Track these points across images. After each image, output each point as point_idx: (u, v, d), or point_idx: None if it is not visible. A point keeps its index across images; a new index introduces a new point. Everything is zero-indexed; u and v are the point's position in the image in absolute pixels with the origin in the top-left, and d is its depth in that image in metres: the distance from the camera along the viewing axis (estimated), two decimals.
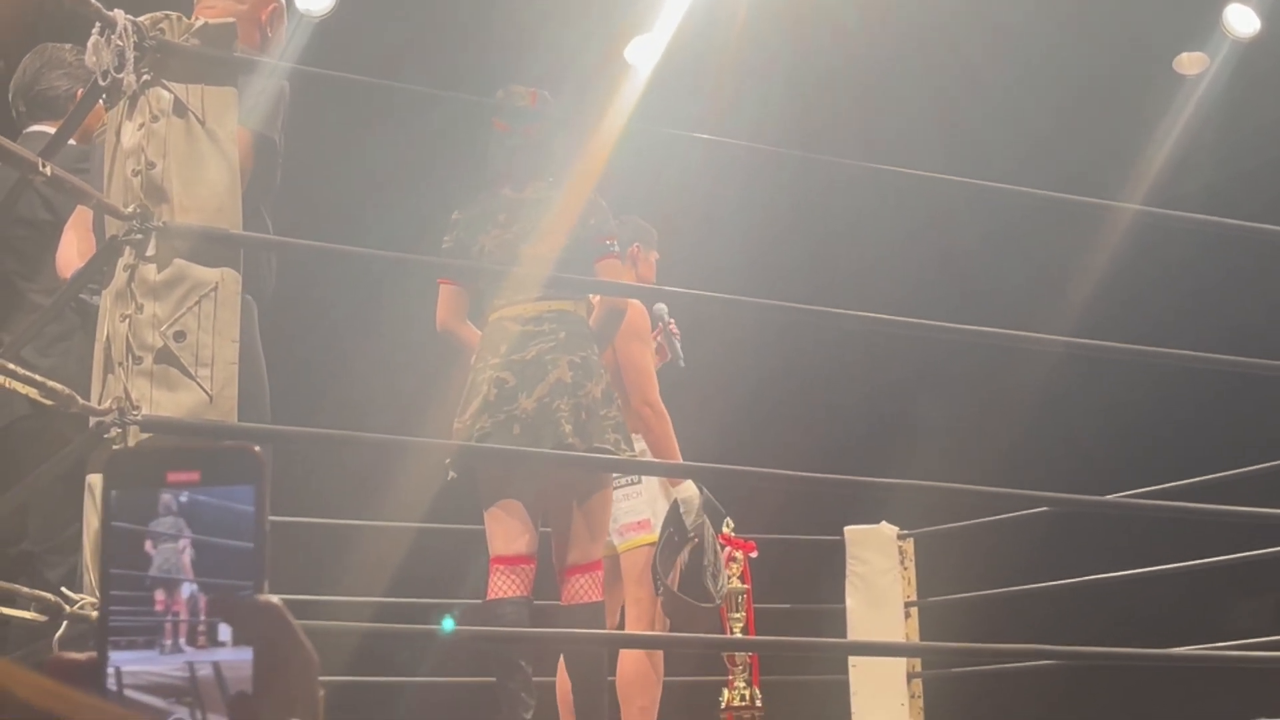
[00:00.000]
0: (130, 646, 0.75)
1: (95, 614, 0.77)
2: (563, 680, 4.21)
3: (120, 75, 2.48)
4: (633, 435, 4.19)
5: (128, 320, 2.45)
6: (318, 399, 6.75)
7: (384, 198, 7.36)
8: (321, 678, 0.76)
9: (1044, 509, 5.18)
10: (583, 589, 3.95)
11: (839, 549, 5.70)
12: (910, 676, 5.59)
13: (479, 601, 4.00)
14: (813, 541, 6.00)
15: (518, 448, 3.78)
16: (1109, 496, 4.66)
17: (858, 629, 5.54)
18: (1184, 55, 7.58)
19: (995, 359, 7.47)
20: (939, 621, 5.81)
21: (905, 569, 5.72)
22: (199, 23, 2.60)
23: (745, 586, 4.63)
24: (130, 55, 2.48)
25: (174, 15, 2.57)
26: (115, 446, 2.38)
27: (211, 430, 2.46)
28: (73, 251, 3.45)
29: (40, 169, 2.47)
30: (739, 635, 4.70)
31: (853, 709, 5.50)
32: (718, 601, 4.36)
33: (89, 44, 2.52)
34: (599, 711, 3.98)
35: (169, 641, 0.75)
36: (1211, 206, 4.35)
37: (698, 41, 6.81)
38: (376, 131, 7.07)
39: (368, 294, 7.26)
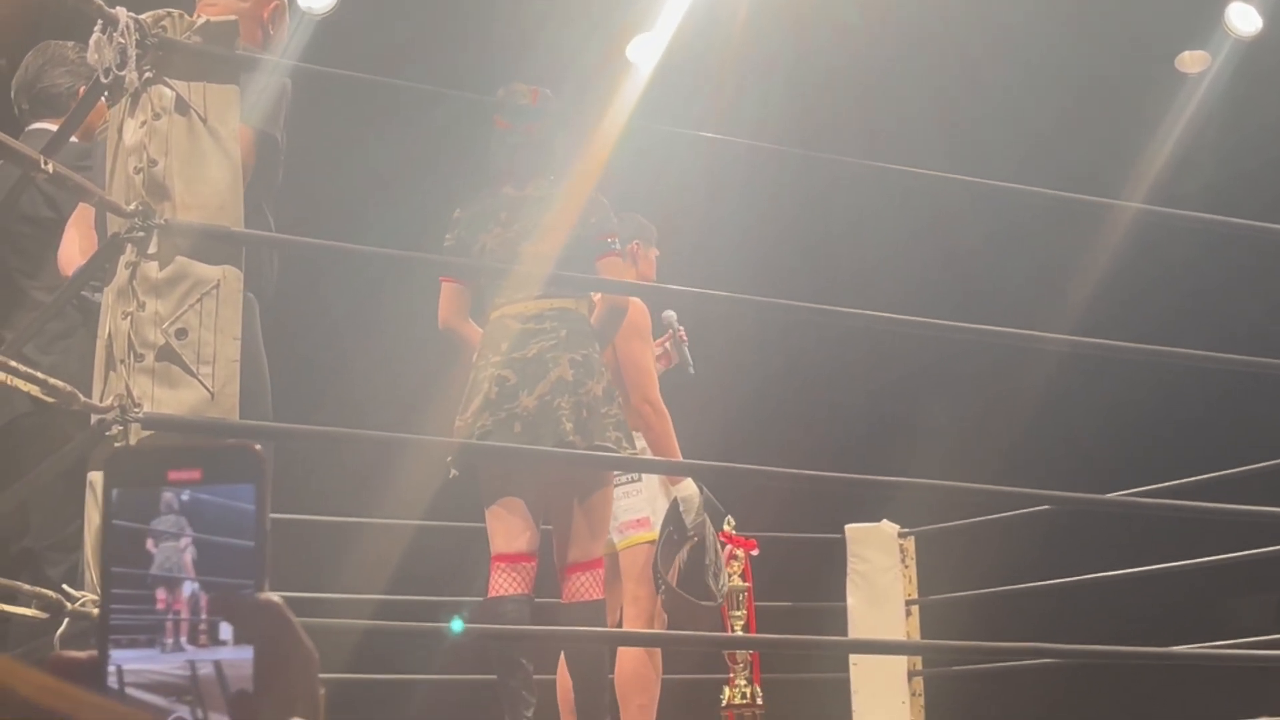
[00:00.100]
0: (132, 645, 0.75)
1: (96, 611, 0.78)
2: (563, 678, 4.21)
3: (122, 73, 2.48)
4: (633, 433, 4.19)
5: (129, 317, 2.46)
6: (319, 396, 6.75)
7: (386, 196, 7.36)
8: (322, 675, 0.76)
9: (1045, 507, 5.18)
10: (584, 587, 3.95)
11: (840, 547, 5.70)
12: (911, 675, 5.59)
13: (480, 599, 4.00)
14: (814, 540, 6.00)
15: (519, 445, 3.78)
16: (1110, 495, 4.66)
17: (859, 627, 5.54)
18: (1186, 54, 7.58)
19: (996, 358, 7.48)
20: (940, 620, 5.81)
21: (906, 567, 5.72)
22: (201, 20, 2.60)
23: (746, 584, 4.63)
24: (132, 53, 2.48)
25: (176, 13, 2.57)
26: (117, 444, 2.38)
27: (213, 428, 2.46)
28: (75, 249, 3.45)
29: (42, 166, 2.47)
30: (740, 633, 4.70)
31: (853, 707, 5.50)
32: (719, 600, 4.37)
33: (91, 41, 2.52)
34: (600, 709, 3.98)
35: (170, 640, 0.75)
36: (1213, 205, 4.35)
37: (699, 40, 6.81)
38: (378, 129, 7.07)
39: (369, 292, 7.26)
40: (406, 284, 5.78)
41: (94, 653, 0.76)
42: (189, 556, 0.76)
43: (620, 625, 4.34)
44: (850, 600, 5.62)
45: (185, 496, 0.76)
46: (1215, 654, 5.07)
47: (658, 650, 4.36)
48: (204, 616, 0.75)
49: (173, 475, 0.76)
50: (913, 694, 5.57)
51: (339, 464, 6.53)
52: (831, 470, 3.76)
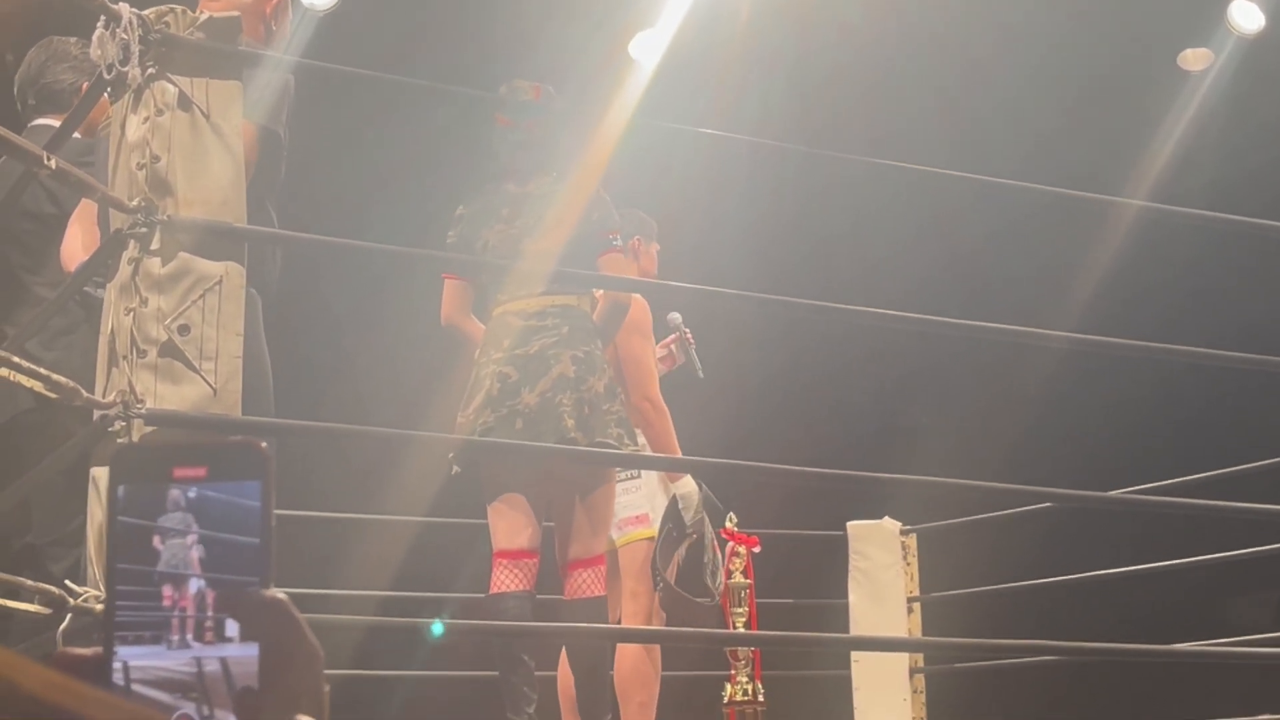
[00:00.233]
0: (138, 641, 0.75)
1: (99, 607, 0.78)
2: (564, 675, 4.21)
3: (125, 69, 2.48)
4: (634, 430, 4.19)
5: (132, 314, 2.46)
6: (321, 393, 6.76)
7: (388, 192, 7.36)
8: (326, 672, 0.76)
9: (1047, 505, 5.18)
10: (585, 584, 3.95)
11: (842, 544, 5.70)
12: (912, 672, 5.59)
13: (482, 596, 4.00)
14: (816, 537, 6.00)
15: (520, 442, 3.78)
16: (1112, 492, 4.66)
17: (860, 624, 5.54)
18: (1188, 52, 7.57)
19: (999, 356, 7.47)
20: (941, 617, 5.81)
21: (908, 564, 5.72)
22: (204, 16, 2.60)
23: (748, 581, 4.62)
24: (135, 49, 2.48)
25: (179, 9, 2.57)
26: (119, 440, 2.38)
27: (215, 424, 2.46)
28: (77, 245, 3.45)
29: (45, 162, 2.47)
30: (742, 630, 4.70)
31: (855, 704, 5.50)
32: (716, 599, 4.36)
33: (94, 37, 2.52)
34: (602, 706, 3.98)
35: (176, 637, 0.75)
36: (1215, 203, 4.35)
37: (702, 37, 6.80)
38: (380, 126, 7.07)
39: (372, 288, 7.26)
40: (409, 280, 5.78)
41: (99, 649, 0.76)
42: (196, 553, 0.76)
43: (620, 622, 4.35)
44: (852, 597, 5.62)
45: (192, 493, 0.76)
46: (1216, 651, 5.07)
47: (657, 647, 4.36)
48: (210, 613, 0.75)
49: (178, 472, 0.76)
50: (914, 691, 5.58)
51: (341, 460, 6.53)
52: (833, 468, 3.76)
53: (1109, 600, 7.25)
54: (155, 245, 2.47)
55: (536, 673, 3.87)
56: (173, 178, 2.50)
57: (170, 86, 2.51)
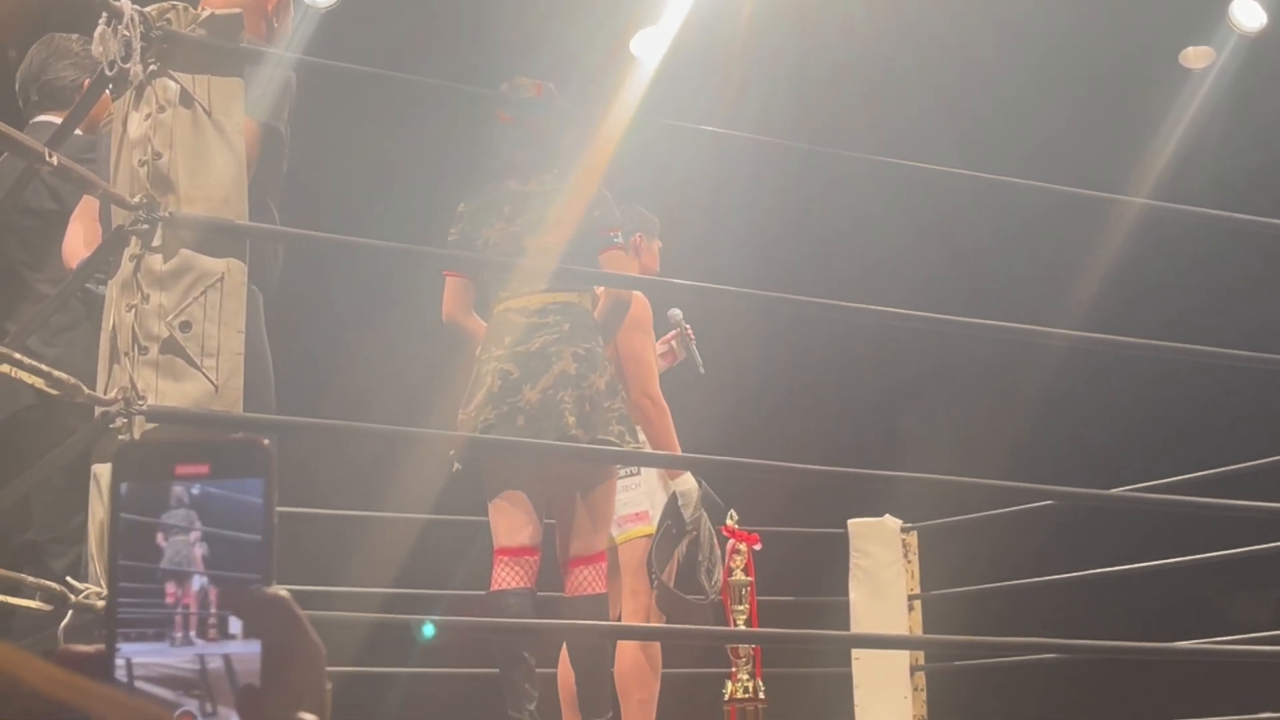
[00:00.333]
0: (141, 638, 0.75)
1: (101, 604, 0.78)
2: (564, 672, 4.21)
3: (127, 65, 2.48)
4: (635, 427, 4.19)
5: (133, 310, 2.46)
6: (323, 390, 6.76)
7: (389, 189, 7.36)
8: (328, 669, 0.76)
9: (1048, 503, 5.18)
10: (586, 581, 3.95)
11: (843, 542, 5.70)
12: (913, 669, 5.59)
13: (482, 593, 4.00)
14: (817, 534, 6.00)
15: (521, 439, 3.78)
16: (1113, 490, 4.65)
17: (861, 622, 5.54)
18: (1190, 49, 7.57)
19: (1001, 355, 7.47)
20: (942, 615, 5.81)
21: (909, 562, 5.72)
22: (205, 13, 2.60)
23: (749, 579, 4.62)
24: (137, 45, 2.48)
25: (180, 5, 2.57)
26: (121, 437, 2.38)
27: (217, 421, 2.46)
28: (79, 241, 3.45)
29: (47, 159, 2.47)
30: (743, 627, 4.70)
31: (856, 702, 5.50)
32: (712, 597, 4.36)
33: (96, 34, 2.52)
34: (603, 703, 3.99)
35: (179, 634, 0.75)
36: (1218, 201, 4.34)
37: (704, 35, 6.80)
38: (382, 123, 7.07)
39: (373, 285, 7.26)
40: (410, 278, 5.77)
41: (101, 647, 0.76)
42: (199, 551, 0.76)
43: (620, 620, 4.35)
44: (853, 595, 5.62)
45: (195, 490, 0.76)
46: (1217, 649, 5.07)
47: (656, 645, 4.37)
48: (213, 610, 0.75)
49: (180, 469, 0.76)
50: (915, 688, 5.58)
51: (343, 457, 6.53)
52: (835, 465, 3.76)
53: (1109, 598, 7.26)
54: (157, 242, 2.47)
55: (537, 670, 3.87)
56: (174, 174, 2.50)
57: (172, 83, 2.51)
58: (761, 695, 4.57)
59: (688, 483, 4.33)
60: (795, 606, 5.96)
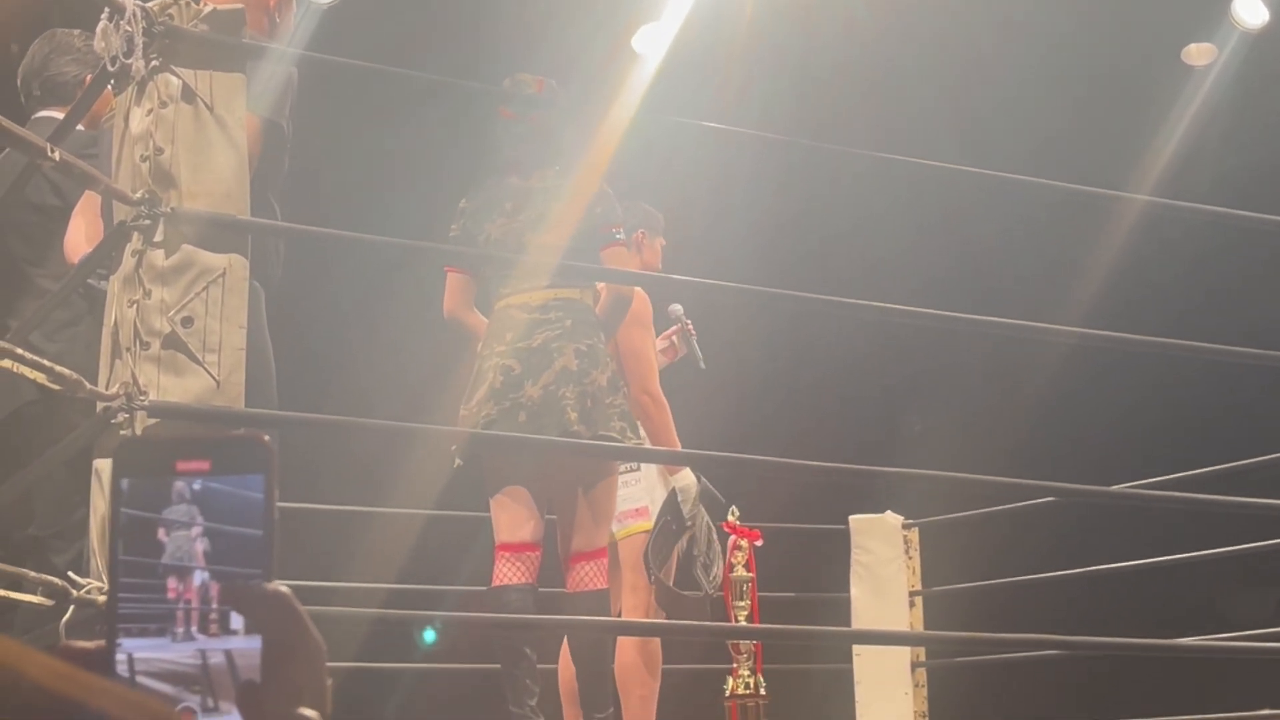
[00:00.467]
0: (143, 633, 0.75)
1: (102, 599, 0.78)
2: (565, 668, 4.21)
3: (129, 61, 2.48)
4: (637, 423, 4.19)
5: (135, 305, 2.46)
6: (325, 385, 6.77)
7: (391, 185, 7.36)
8: (329, 665, 0.76)
9: (1049, 500, 5.18)
10: (588, 576, 3.95)
11: (844, 538, 5.70)
12: (914, 666, 5.59)
13: (484, 589, 4.01)
14: (818, 531, 6.00)
15: (523, 435, 3.78)
16: (1114, 487, 4.65)
17: (862, 618, 5.54)
18: (1192, 46, 7.56)
19: (1003, 353, 7.47)
20: (943, 611, 5.81)
21: (910, 558, 5.72)
22: (208, 9, 2.59)
23: (750, 575, 4.62)
24: (139, 41, 2.48)
25: (183, 1, 2.57)
26: (122, 432, 2.38)
27: (218, 416, 2.46)
28: (80, 237, 3.45)
29: (49, 154, 2.47)
30: (744, 624, 4.70)
31: (857, 698, 5.50)
32: (710, 593, 4.36)
33: (98, 29, 2.52)
34: (603, 698, 3.99)
35: (181, 629, 0.75)
36: (1221, 198, 4.34)
37: (706, 31, 6.80)
38: (384, 119, 7.07)
39: (375, 281, 7.26)
40: (412, 273, 5.78)
41: (102, 642, 0.76)
42: (200, 546, 0.76)
43: (620, 615, 4.35)
44: (854, 591, 5.62)
45: (196, 486, 0.76)
46: (1219, 646, 5.07)
47: (656, 641, 4.37)
48: (214, 606, 0.75)
49: (181, 465, 0.76)
50: (916, 685, 5.58)
51: (345, 453, 6.53)
52: (836, 462, 3.76)
53: (1111, 595, 7.26)
54: (159, 237, 2.47)
55: (538, 665, 3.87)
56: (176, 170, 2.50)
57: (174, 79, 2.51)
58: (762, 691, 4.57)
59: (687, 478, 4.33)
60: (796, 602, 5.96)
